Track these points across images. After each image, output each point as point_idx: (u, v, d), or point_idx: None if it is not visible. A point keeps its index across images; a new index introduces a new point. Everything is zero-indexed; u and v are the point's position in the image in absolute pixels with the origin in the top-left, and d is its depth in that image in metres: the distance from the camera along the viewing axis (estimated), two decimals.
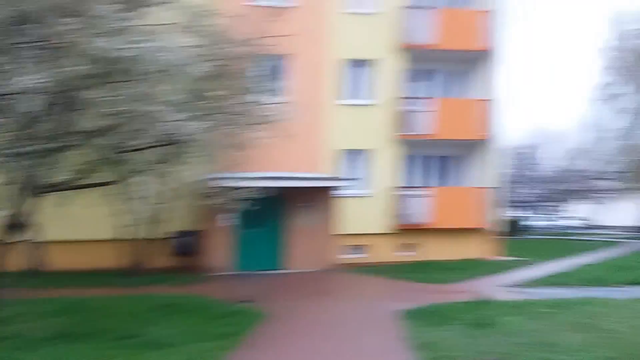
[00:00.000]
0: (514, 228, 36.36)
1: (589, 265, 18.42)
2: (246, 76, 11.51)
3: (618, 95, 38.53)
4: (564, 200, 44.34)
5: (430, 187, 20.31)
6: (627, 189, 40.05)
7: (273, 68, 17.49)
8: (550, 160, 45.00)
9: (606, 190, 43.82)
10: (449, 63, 21.12)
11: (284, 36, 13.01)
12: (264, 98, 12.03)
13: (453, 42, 19.97)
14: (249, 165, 15.06)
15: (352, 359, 7.10)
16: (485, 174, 20.57)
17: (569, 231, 48.21)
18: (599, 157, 40.67)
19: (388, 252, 19.39)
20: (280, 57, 17.80)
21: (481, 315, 9.03)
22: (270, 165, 16.93)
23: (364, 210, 19.19)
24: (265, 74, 13.67)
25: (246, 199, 12.21)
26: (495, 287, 13.55)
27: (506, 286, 13.82)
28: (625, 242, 32.57)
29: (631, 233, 41.45)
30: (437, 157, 21.42)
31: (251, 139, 11.54)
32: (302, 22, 18.20)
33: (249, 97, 11.17)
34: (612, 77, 38.77)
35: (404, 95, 19.74)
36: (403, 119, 19.58)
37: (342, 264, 17.60)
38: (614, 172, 40.22)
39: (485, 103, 20.11)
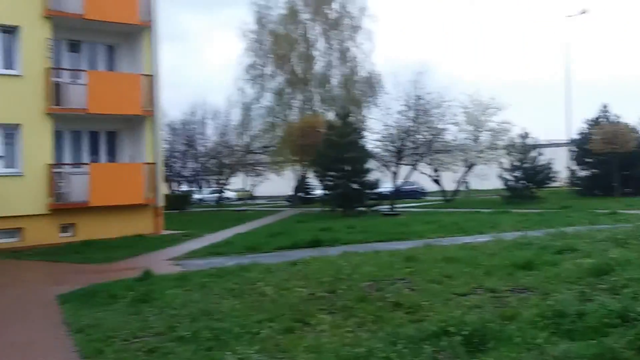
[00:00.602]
0: (177, 202, 36.99)
1: (248, 233, 19.66)
2: None
3: (263, 75, 41.94)
4: (225, 173, 46.65)
5: (87, 163, 19.29)
6: (275, 163, 43.93)
7: None
8: (210, 135, 46.81)
9: (257, 163, 47.40)
10: (104, 35, 20.22)
11: None
12: None
13: (106, 14, 19.13)
14: None
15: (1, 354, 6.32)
16: (145, 150, 20.31)
17: (231, 203, 51.07)
18: (250, 133, 43.72)
19: (47, 234, 17.89)
20: None
21: (144, 291, 8.88)
22: None
23: (15, 191, 17.36)
24: None
25: None
26: (159, 262, 13.50)
27: (169, 260, 13.89)
28: (280, 210, 35.73)
29: (284, 202, 45.74)
30: (94, 132, 20.40)
31: None
32: None
33: None
34: (254, 58, 42.01)
35: (53, 67, 18.28)
36: (54, 91, 18.10)
37: None
38: (264, 146, 43.70)
39: (143, 78, 19.81)
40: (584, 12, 43.25)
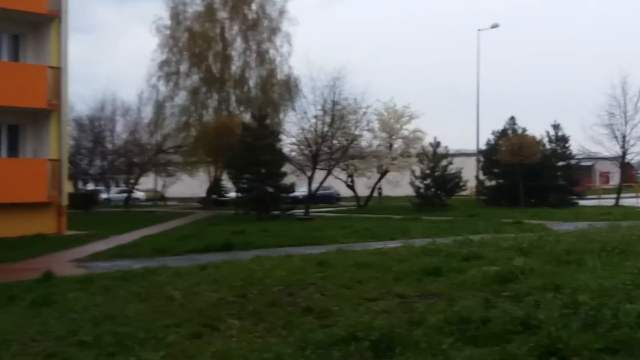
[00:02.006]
0: (83, 201, 35.57)
1: (157, 235, 19.16)
2: None
3: (178, 73, 41.09)
4: (134, 173, 45.31)
5: None
6: (188, 163, 43.09)
7: None
8: (120, 133, 45.31)
9: (169, 164, 46.31)
10: (8, 23, 19.36)
11: None
12: None
13: (10, 1, 18.24)
14: None
15: None
16: (49, 145, 19.45)
17: (140, 203, 49.66)
18: (162, 132, 42.71)
19: None
20: None
21: (44, 293, 8.47)
22: None
23: None
24: None
25: None
26: (61, 263, 12.97)
27: (72, 261, 13.36)
28: (192, 212, 35.04)
29: (196, 203, 44.88)
30: None
31: None
32: None
33: None
34: (169, 55, 41.12)
35: None
36: None
37: None
38: (176, 147, 42.76)
39: (49, 70, 18.95)
40: (494, 26, 44.90)
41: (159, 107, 41.58)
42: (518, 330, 5.73)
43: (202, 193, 44.67)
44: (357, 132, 34.64)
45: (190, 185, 47.18)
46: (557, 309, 6.29)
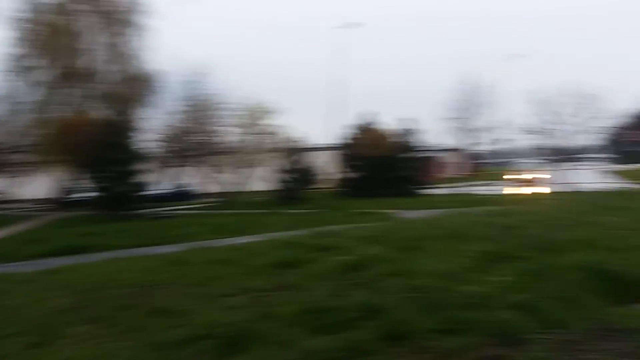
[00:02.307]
0: None
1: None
2: None
3: (33, 67, 38.42)
4: None
5: None
6: (41, 162, 40.48)
7: None
8: None
9: (21, 163, 43.23)
10: None
11: None
12: None
13: None
14: None
15: None
16: None
17: None
18: (13, 130, 39.81)
19: None
20: None
21: None
22: None
23: None
24: None
25: None
26: None
27: None
28: (41, 214, 32.97)
29: (45, 205, 42.21)
30: None
31: None
32: None
33: None
34: (26, 49, 38.37)
35: None
36: None
37: None
38: (29, 145, 40.03)
39: None
40: (352, 25, 46.25)
41: (13, 103, 38.60)
42: (365, 317, 5.98)
43: (54, 193, 42.11)
44: (219, 128, 34.37)
45: (40, 185, 44.26)
46: (401, 293, 6.64)
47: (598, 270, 7.17)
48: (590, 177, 39.57)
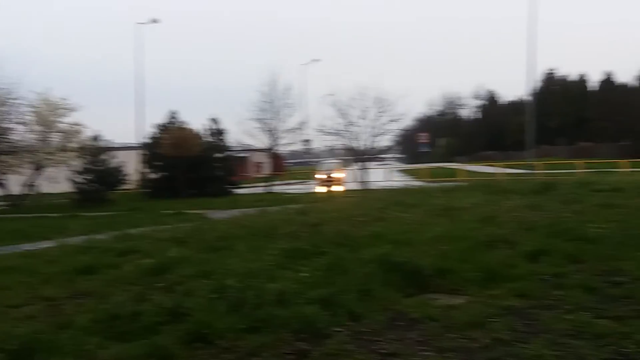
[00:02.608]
0: None
1: None
2: None
3: None
4: None
5: None
6: None
7: None
8: None
9: None
10: None
11: None
12: None
13: None
14: None
15: None
16: None
17: None
18: None
19: None
20: None
21: None
22: None
23: None
24: None
25: None
26: None
27: None
28: None
29: None
30: None
31: None
32: None
33: None
34: None
35: None
36: None
37: None
38: None
39: None
40: (155, 22, 44.97)
41: None
42: (168, 321, 5.84)
43: None
44: (6, 125, 31.47)
45: None
46: (205, 295, 6.57)
47: (391, 263, 7.65)
48: (383, 176, 42.46)
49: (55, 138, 34.76)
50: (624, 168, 37.74)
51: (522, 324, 5.64)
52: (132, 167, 38.72)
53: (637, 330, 5.14)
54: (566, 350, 4.86)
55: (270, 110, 38.63)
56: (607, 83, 79.34)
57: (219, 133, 39.20)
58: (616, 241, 8.79)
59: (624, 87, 75.16)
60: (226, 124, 40.16)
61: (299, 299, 6.27)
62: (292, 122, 39.93)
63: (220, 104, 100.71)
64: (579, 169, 38.65)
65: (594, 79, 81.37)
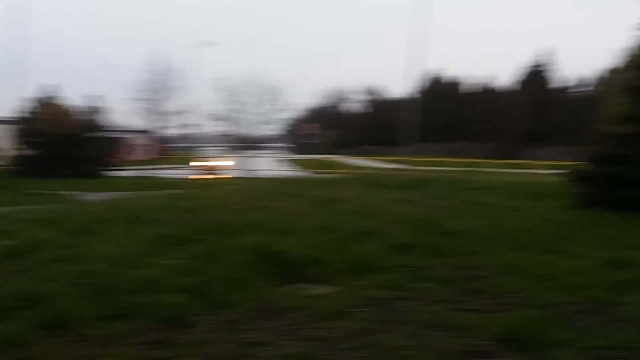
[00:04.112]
0: None
1: None
2: None
3: None
4: None
5: None
6: None
7: None
8: None
9: None
10: None
11: None
12: None
13: None
14: None
15: None
16: None
17: None
18: None
19: None
20: None
21: None
22: None
23: None
24: None
25: None
26: None
27: None
28: None
29: None
30: None
31: None
32: None
33: None
34: None
35: None
36: None
37: None
38: None
39: None
40: None
41: None
42: (24, 306, 5.49)
43: None
44: None
45: None
46: (68, 280, 6.27)
47: (266, 252, 7.64)
48: (268, 165, 42.42)
49: None
50: (490, 168, 40.21)
51: (386, 314, 5.82)
52: (4, 142, 36.11)
53: (492, 323, 5.43)
54: (424, 341, 5.05)
55: (154, 90, 37.44)
56: (489, 86, 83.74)
57: (97, 111, 37.35)
58: (481, 237, 9.33)
59: (503, 91, 79.66)
60: (107, 102, 38.35)
61: (166, 286, 6.12)
62: (178, 105, 38.99)
63: (103, 81, 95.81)
64: (453, 167, 40.63)
65: (479, 82, 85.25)
